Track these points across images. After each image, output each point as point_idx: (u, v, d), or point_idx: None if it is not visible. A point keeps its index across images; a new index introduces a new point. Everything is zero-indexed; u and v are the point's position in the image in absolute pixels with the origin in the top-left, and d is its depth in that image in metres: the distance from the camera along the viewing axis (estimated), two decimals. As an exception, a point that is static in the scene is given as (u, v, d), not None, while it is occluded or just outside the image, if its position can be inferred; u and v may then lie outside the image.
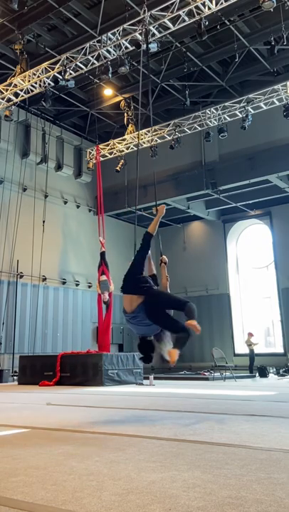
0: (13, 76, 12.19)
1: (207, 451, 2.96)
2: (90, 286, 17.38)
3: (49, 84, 11.87)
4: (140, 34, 10.08)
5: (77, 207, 17.96)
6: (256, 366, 15.10)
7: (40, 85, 12.06)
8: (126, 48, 10.63)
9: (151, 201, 14.32)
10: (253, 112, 13.44)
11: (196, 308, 4.53)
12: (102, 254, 13.10)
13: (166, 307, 4.70)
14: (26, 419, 4.78)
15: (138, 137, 14.03)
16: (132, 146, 15.65)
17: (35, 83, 12.06)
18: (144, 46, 9.91)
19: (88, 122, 17.57)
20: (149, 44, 9.86)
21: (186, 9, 9.57)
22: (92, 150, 16.01)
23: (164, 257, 5.48)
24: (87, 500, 1.97)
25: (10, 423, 4.45)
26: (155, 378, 11.82)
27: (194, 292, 19.12)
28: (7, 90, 12.48)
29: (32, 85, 12.19)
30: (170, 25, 9.97)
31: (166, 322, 4.66)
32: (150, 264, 5.25)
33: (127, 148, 15.82)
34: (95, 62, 11.14)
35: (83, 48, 11.09)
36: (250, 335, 15.78)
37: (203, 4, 9.43)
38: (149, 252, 5.13)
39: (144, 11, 9.75)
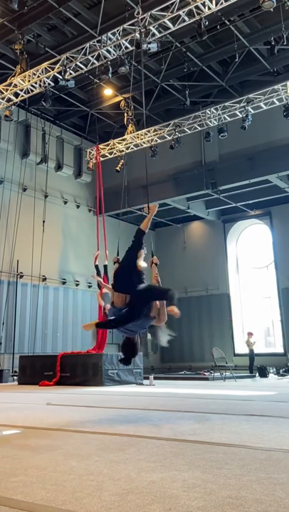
0: (13, 76, 12.18)
1: (207, 451, 2.96)
2: (90, 286, 17.36)
3: (49, 84, 11.86)
4: (140, 34, 10.06)
5: (77, 207, 17.95)
6: (256, 366, 15.09)
7: (40, 85, 12.05)
8: (126, 48, 10.63)
9: (151, 201, 14.32)
10: (253, 111, 13.42)
11: (176, 294, 4.71)
12: (106, 267, 13.03)
13: (151, 299, 4.83)
14: (26, 419, 4.77)
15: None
16: (132, 146, 15.65)
17: (35, 83, 12.04)
18: (151, 46, 9.80)
19: (88, 122, 17.56)
20: (148, 44, 9.85)
21: (186, 9, 9.55)
22: (92, 150, 16.00)
23: (155, 258, 5.57)
24: (87, 500, 1.97)
25: (10, 423, 4.45)
26: (155, 378, 11.82)
27: (194, 292, 19.11)
28: (7, 90, 12.46)
29: (32, 85, 12.18)
30: (170, 25, 9.96)
31: (154, 296, 4.85)
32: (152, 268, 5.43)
33: (127, 149, 15.81)
34: (95, 62, 11.13)
35: (83, 48, 11.08)
36: (250, 335, 15.77)
37: (203, 4, 9.41)
38: (145, 249, 5.17)
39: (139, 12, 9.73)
